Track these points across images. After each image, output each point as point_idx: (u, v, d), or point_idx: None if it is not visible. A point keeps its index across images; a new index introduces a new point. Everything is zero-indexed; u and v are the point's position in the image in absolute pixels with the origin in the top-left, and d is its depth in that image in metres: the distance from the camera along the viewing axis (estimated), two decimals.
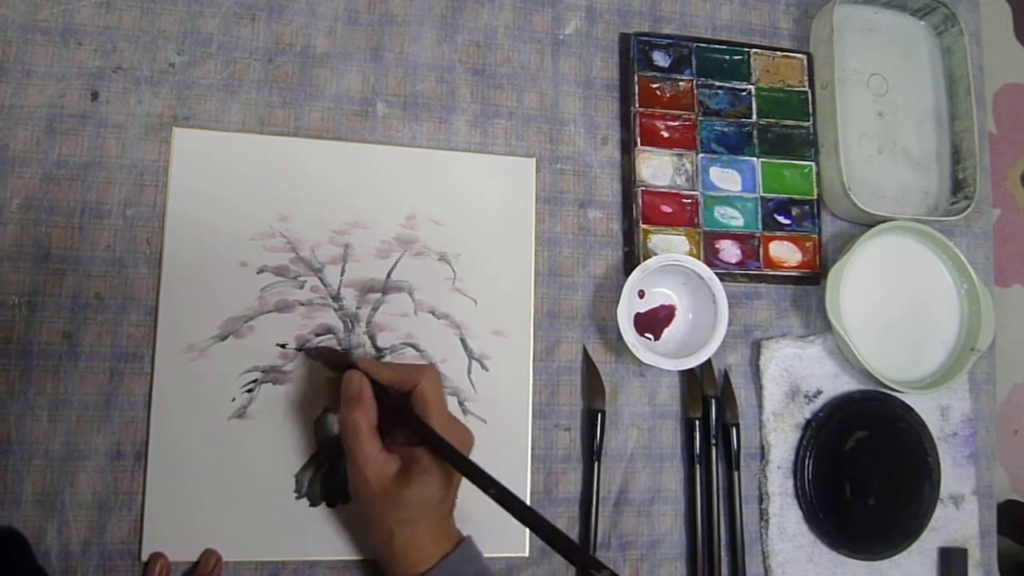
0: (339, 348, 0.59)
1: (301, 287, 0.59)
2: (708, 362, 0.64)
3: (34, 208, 0.57)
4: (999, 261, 0.78)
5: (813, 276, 0.69)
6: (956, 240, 0.71)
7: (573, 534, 0.62)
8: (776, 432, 0.66)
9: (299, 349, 0.59)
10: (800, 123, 0.71)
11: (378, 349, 0.60)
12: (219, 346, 0.57)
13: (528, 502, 0.61)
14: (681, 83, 0.69)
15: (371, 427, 0.51)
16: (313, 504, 0.58)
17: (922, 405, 0.69)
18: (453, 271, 0.62)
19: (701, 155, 0.68)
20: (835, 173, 0.67)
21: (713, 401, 0.64)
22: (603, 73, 0.69)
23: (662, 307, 0.65)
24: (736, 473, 0.64)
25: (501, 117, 0.66)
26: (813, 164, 0.71)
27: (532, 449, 0.62)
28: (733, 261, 0.68)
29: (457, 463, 0.51)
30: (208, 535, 0.56)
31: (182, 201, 0.59)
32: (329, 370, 0.57)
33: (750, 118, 0.70)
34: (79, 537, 0.54)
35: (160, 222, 0.58)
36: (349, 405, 0.52)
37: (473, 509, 0.59)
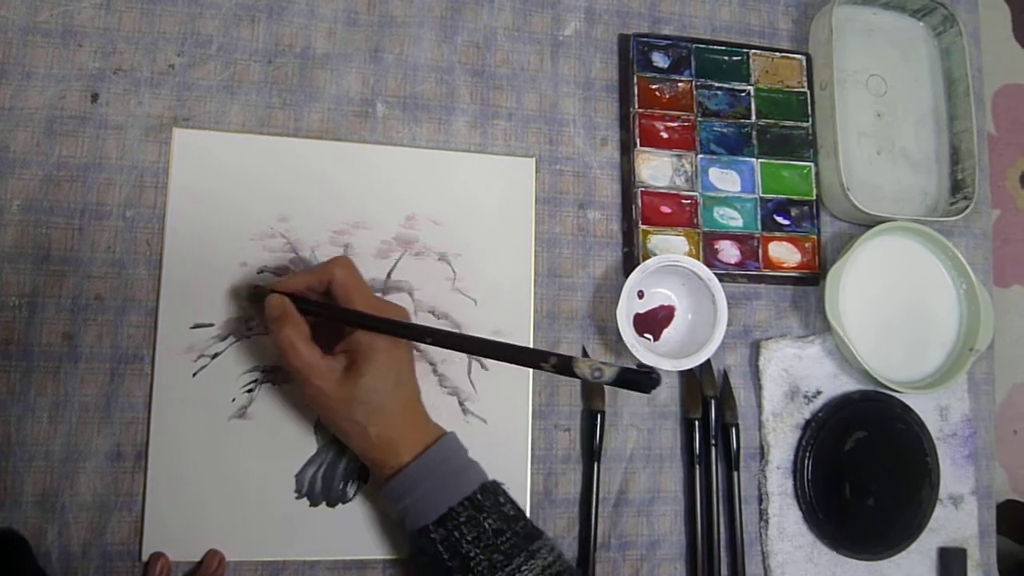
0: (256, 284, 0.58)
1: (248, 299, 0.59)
2: (707, 362, 0.64)
3: (34, 209, 0.57)
4: (998, 262, 0.78)
5: (812, 277, 0.70)
6: (955, 240, 0.71)
7: (573, 534, 0.62)
8: (775, 432, 0.66)
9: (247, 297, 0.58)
10: (799, 124, 0.71)
11: None
12: (219, 346, 0.58)
13: (528, 503, 0.61)
14: (680, 84, 0.69)
15: (305, 338, 0.51)
16: (313, 504, 0.58)
17: (921, 405, 0.69)
18: (453, 271, 0.62)
19: (700, 156, 0.69)
20: (834, 174, 0.67)
21: (712, 401, 0.65)
22: (602, 74, 0.69)
23: (661, 307, 0.66)
24: (735, 473, 0.64)
25: (500, 118, 0.66)
26: (812, 165, 0.71)
27: (532, 449, 0.62)
28: (732, 262, 0.68)
29: (386, 328, 0.52)
30: (208, 535, 0.56)
31: (182, 202, 0.59)
32: (260, 309, 0.56)
33: (749, 119, 0.70)
34: (79, 538, 0.54)
35: (160, 223, 0.58)
36: (276, 325, 0.52)
37: None
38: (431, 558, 0.50)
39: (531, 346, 0.49)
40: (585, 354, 0.64)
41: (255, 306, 0.58)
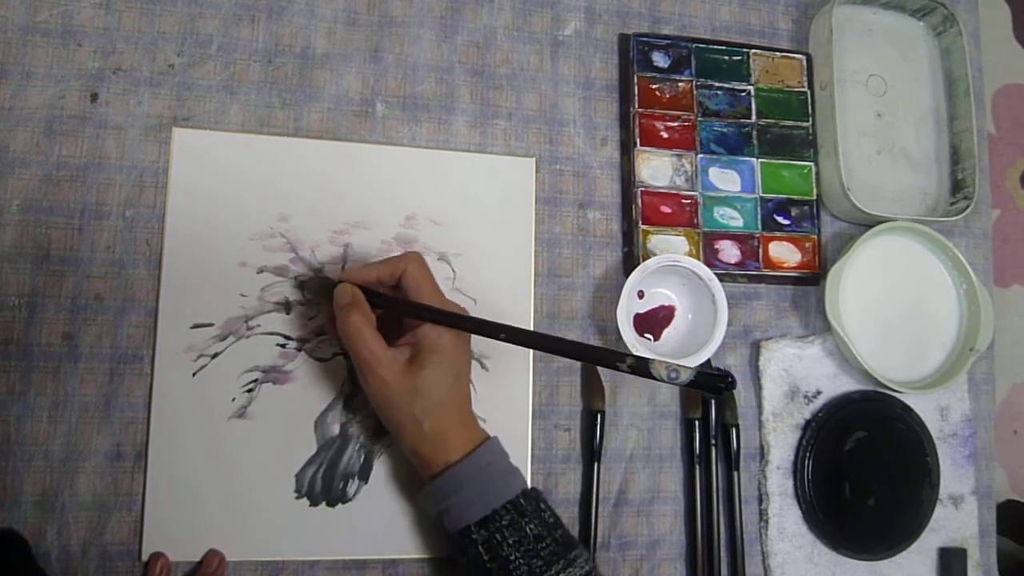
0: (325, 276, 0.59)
1: (301, 287, 0.59)
2: (708, 363, 0.64)
3: (34, 209, 0.57)
4: (998, 261, 0.78)
5: (812, 276, 0.70)
6: (955, 240, 0.71)
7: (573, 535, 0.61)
8: (775, 432, 0.66)
9: (299, 286, 0.59)
10: (799, 124, 0.71)
11: None
12: (219, 346, 0.58)
13: None
14: (680, 84, 0.69)
15: (372, 327, 0.52)
16: (313, 504, 0.58)
17: (921, 405, 0.69)
18: (453, 271, 0.62)
19: (700, 156, 0.69)
20: (834, 173, 0.67)
21: (712, 402, 0.64)
22: (602, 74, 0.69)
23: (661, 307, 0.66)
24: (735, 473, 0.64)
25: (500, 118, 0.66)
26: (812, 165, 0.71)
27: (532, 449, 0.62)
28: (732, 261, 0.68)
29: (462, 323, 0.53)
30: (208, 535, 0.56)
31: (182, 201, 0.59)
32: (322, 300, 0.58)
33: (749, 119, 0.70)
34: (79, 538, 0.54)
35: (160, 223, 0.58)
36: (344, 312, 0.52)
37: None
38: (471, 559, 0.50)
39: (600, 346, 0.50)
40: None
41: (322, 297, 0.58)
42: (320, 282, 0.58)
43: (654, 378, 0.48)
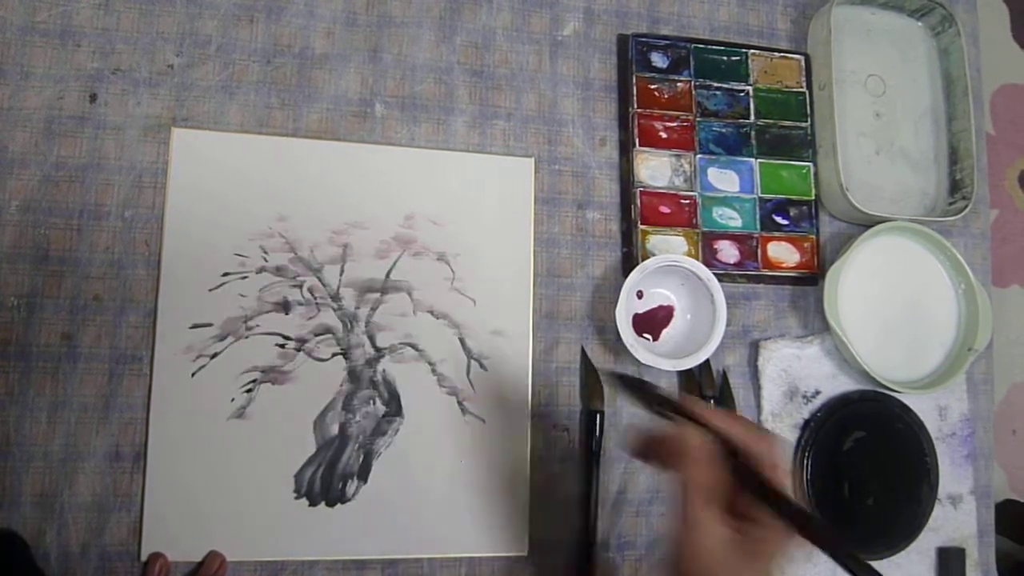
0: (642, 378, 0.50)
1: (300, 287, 0.59)
2: (706, 362, 0.64)
3: (33, 210, 0.57)
4: (996, 261, 0.78)
5: (811, 276, 0.70)
6: (954, 240, 0.71)
7: (572, 535, 0.62)
8: (775, 432, 0.66)
9: (615, 375, 0.50)
10: (798, 124, 0.71)
11: (377, 349, 0.60)
12: (218, 346, 0.58)
13: (527, 502, 0.61)
14: (679, 84, 0.69)
15: (712, 491, 0.41)
16: (313, 504, 0.58)
17: (920, 405, 0.69)
18: (452, 271, 0.62)
19: (699, 156, 0.69)
20: (833, 174, 0.68)
21: (712, 401, 0.65)
22: (601, 74, 0.69)
23: (660, 308, 0.66)
24: None
25: (499, 118, 0.66)
26: (811, 165, 0.71)
27: (532, 449, 0.62)
28: (731, 262, 0.68)
29: (834, 550, 0.40)
30: (208, 535, 0.56)
31: (181, 202, 0.59)
32: (638, 403, 0.48)
33: (748, 119, 0.70)
34: (78, 538, 0.54)
35: (159, 223, 0.58)
36: (688, 463, 0.42)
37: (473, 507, 0.59)
38: None
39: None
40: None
41: (639, 403, 0.48)
42: (643, 387, 0.48)
43: None
